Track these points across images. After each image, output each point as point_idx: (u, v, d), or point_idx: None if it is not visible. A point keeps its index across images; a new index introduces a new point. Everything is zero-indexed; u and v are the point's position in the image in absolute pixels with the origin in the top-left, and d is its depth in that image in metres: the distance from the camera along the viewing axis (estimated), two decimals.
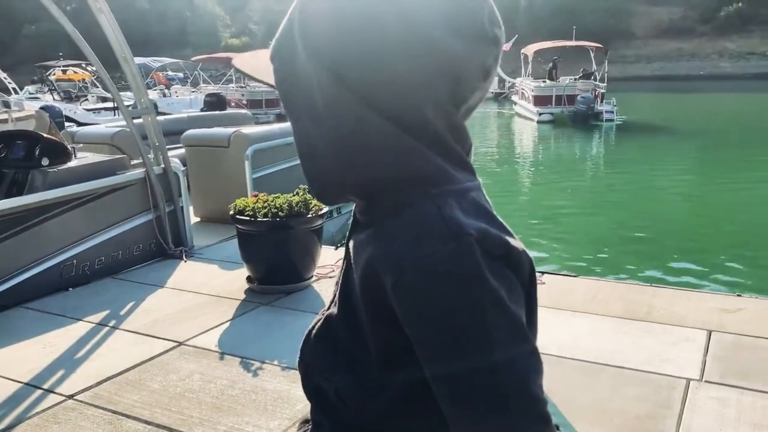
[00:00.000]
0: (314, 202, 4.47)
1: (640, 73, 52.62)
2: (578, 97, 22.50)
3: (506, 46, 26.17)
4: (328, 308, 0.86)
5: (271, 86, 0.80)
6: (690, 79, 49.40)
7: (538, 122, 23.76)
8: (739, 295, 4.51)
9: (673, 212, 10.29)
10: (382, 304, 0.71)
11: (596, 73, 25.23)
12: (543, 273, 5.03)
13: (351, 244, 0.80)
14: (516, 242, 0.73)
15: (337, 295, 0.83)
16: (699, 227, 9.24)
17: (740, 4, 56.68)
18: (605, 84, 24.06)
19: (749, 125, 22.96)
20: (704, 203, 10.94)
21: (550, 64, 27.20)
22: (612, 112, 22.35)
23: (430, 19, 0.69)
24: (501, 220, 0.75)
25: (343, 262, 0.84)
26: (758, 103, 33.35)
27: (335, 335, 0.82)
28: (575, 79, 24.60)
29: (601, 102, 22.92)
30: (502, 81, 40.22)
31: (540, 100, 24.26)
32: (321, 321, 0.86)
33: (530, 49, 27.95)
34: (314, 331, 0.86)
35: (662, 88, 43.48)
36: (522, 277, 0.72)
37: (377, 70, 0.69)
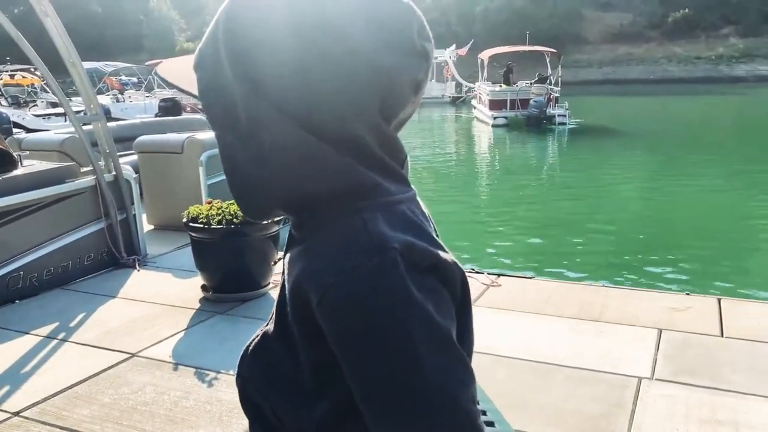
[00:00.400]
0: None
1: (593, 77, 53.71)
2: (531, 101, 22.89)
3: (462, 51, 26.45)
4: (267, 324, 0.85)
5: (195, 97, 0.77)
6: (640, 83, 50.64)
7: (493, 126, 24.07)
8: (688, 294, 4.62)
9: (624, 213, 10.47)
10: (312, 321, 0.69)
11: (551, 77, 25.68)
12: (499, 275, 5.08)
13: (287, 259, 0.78)
14: (446, 255, 0.71)
15: (273, 311, 0.81)
16: (650, 227, 9.41)
17: (687, 11, 58.43)
18: (559, 88, 24.48)
19: (697, 127, 23.64)
20: (655, 204, 11.16)
21: (505, 69, 27.65)
22: (564, 116, 22.74)
23: (358, 33, 0.67)
24: (432, 232, 0.74)
25: (282, 278, 0.82)
26: (706, 105, 34.43)
27: (271, 352, 0.80)
28: (531, 84, 24.97)
29: (555, 106, 23.32)
30: (459, 85, 40.68)
31: (495, 104, 24.59)
32: (258, 337, 0.85)
33: (486, 54, 28.35)
34: (251, 348, 0.85)
35: (614, 92, 44.46)
36: (452, 289, 0.71)
37: (303, 84, 0.67)
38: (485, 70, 28.05)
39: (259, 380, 0.82)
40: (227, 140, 0.73)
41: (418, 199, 0.79)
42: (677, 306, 4.32)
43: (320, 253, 0.70)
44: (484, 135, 23.09)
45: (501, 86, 25.71)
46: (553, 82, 25.16)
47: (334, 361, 0.69)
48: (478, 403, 0.74)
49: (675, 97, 38.87)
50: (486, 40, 47.60)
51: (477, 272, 5.11)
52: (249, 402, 0.84)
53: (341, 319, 0.66)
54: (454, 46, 41.06)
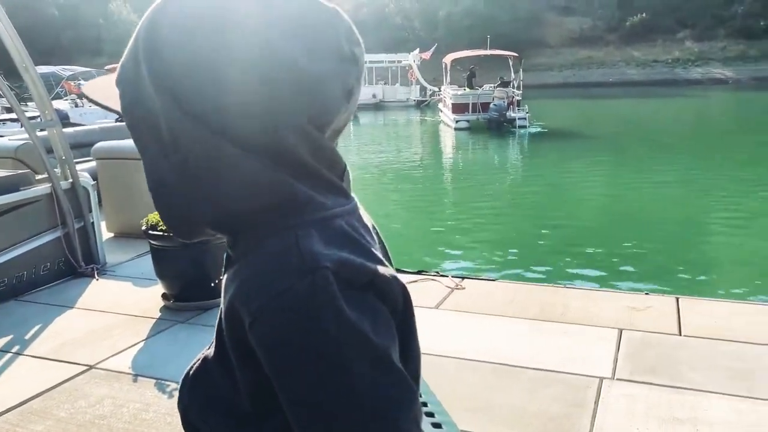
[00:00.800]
0: None
1: (554, 81, 54.49)
2: (491, 105, 23.17)
3: (426, 55, 26.59)
4: (209, 347, 0.82)
5: (120, 114, 0.74)
6: (600, 86, 51.59)
7: (455, 129, 24.34)
8: (647, 294, 4.69)
9: (585, 214, 10.63)
10: (246, 344, 0.67)
11: (513, 81, 26.01)
12: (463, 278, 5.09)
13: (224, 279, 0.75)
14: (384, 269, 0.69)
15: (214, 334, 0.78)
16: (610, 228, 9.57)
17: (644, 15, 59.76)
18: (520, 91, 24.77)
19: (655, 129, 24.12)
20: (614, 204, 11.35)
21: (468, 72, 27.95)
22: (525, 119, 22.99)
23: (282, 40, 0.65)
24: (372, 246, 0.72)
25: (221, 300, 0.80)
26: (663, 107, 35.22)
27: (211, 376, 0.78)
28: (494, 87, 25.23)
29: (517, 109, 23.60)
30: (424, 89, 40.87)
31: (458, 108, 24.82)
32: (199, 361, 0.82)
33: (449, 58, 28.69)
34: (192, 372, 0.82)
35: (575, 95, 45.20)
36: (392, 305, 0.69)
37: (226, 95, 0.64)
38: (448, 74, 28.32)
39: (200, 405, 0.79)
40: (151, 156, 0.70)
41: (361, 210, 0.77)
42: (637, 305, 4.38)
43: (253, 274, 0.67)
44: (447, 138, 23.26)
45: (465, 89, 25.93)
46: (515, 85, 25.49)
47: (270, 386, 0.67)
48: (432, 416, 0.72)
49: (633, 99, 39.71)
50: (449, 44, 47.96)
51: (441, 276, 5.12)
52: (191, 427, 0.81)
53: (273, 342, 0.64)
54: (418, 50, 41.28)
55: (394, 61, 42.25)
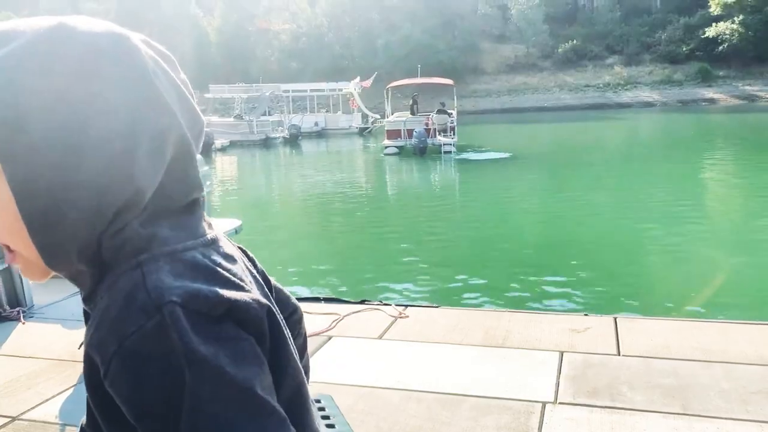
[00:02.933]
0: None
1: (491, 107, 55.88)
2: (414, 132, 23.80)
3: (366, 83, 27.08)
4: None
5: None
6: (536, 111, 53.16)
7: (385, 155, 24.86)
8: (586, 315, 4.74)
9: (523, 237, 10.74)
10: (105, 392, 0.64)
11: (454, 107, 26.63)
12: (406, 306, 5.06)
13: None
14: (243, 295, 0.67)
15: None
16: (547, 250, 9.66)
17: (575, 42, 62.09)
18: (453, 117, 25.36)
19: (588, 151, 24.90)
20: (551, 227, 11.49)
21: (411, 100, 28.40)
22: (450, 144, 23.55)
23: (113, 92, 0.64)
24: (229, 275, 0.69)
25: None
26: (595, 129, 36.48)
27: None
28: (436, 113, 25.81)
29: (447, 134, 24.19)
30: (365, 116, 41.21)
31: (392, 134, 25.40)
32: (79, 428, 0.79)
33: (391, 86, 29.35)
34: None
35: (511, 120, 46.36)
36: (257, 332, 0.67)
37: (64, 139, 0.62)
38: (389, 101, 28.70)
39: None
40: None
41: (225, 241, 0.75)
42: (577, 327, 4.42)
43: (104, 318, 0.64)
44: (385, 166, 23.45)
45: (407, 117, 26.42)
46: (454, 112, 26.08)
47: None
48: None
49: (567, 123, 40.97)
50: (389, 71, 48.68)
51: (384, 304, 5.07)
52: None
53: (128, 389, 0.62)
54: (358, 78, 41.68)
55: (335, 90, 42.61)
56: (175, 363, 0.61)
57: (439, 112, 25.29)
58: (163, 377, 0.61)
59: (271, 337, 0.69)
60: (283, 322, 0.72)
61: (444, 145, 23.47)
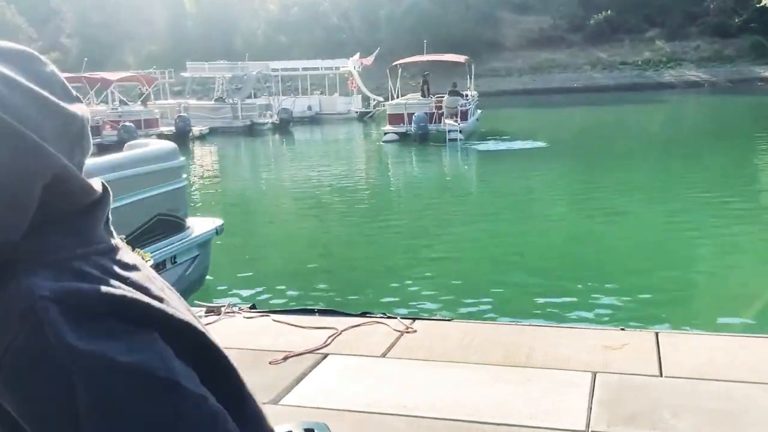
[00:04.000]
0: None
1: (511, 87, 55.76)
2: (413, 116, 23.85)
3: (368, 60, 27.30)
4: None
5: None
6: (564, 92, 53.00)
7: (384, 142, 24.96)
8: (623, 330, 4.74)
9: (549, 241, 10.70)
10: (6, 411, 0.70)
11: (469, 88, 26.72)
12: (414, 319, 5.06)
13: None
14: (141, 295, 0.72)
15: None
16: (577, 256, 9.66)
17: (609, 12, 61.85)
18: (469, 100, 25.38)
19: (625, 141, 24.87)
20: (580, 229, 11.48)
21: (422, 80, 28.40)
22: (457, 131, 23.62)
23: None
24: (122, 281, 0.73)
25: None
26: (634, 115, 36.43)
27: None
28: (448, 95, 25.85)
29: (466, 119, 24.30)
30: (366, 99, 41.13)
31: (394, 119, 25.37)
32: None
33: (395, 64, 29.29)
34: None
35: (535, 103, 46.35)
36: (166, 331, 0.72)
37: None
38: (398, 82, 28.68)
39: None
40: None
41: (126, 252, 0.80)
42: (612, 344, 4.42)
43: None
44: (389, 156, 23.58)
45: (417, 99, 26.57)
46: (469, 93, 26.15)
47: None
48: None
49: (599, 107, 40.88)
50: (394, 47, 48.61)
51: (389, 317, 5.08)
52: None
53: (16, 399, 0.67)
54: (358, 55, 41.68)
55: (331, 68, 42.67)
56: (59, 362, 0.65)
57: (452, 93, 25.35)
58: (50, 381, 0.66)
59: (198, 348, 0.75)
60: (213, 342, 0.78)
61: (449, 131, 23.58)
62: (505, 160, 20.39)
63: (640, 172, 17.43)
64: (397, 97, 27.64)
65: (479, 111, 29.93)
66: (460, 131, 23.73)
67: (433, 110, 24.25)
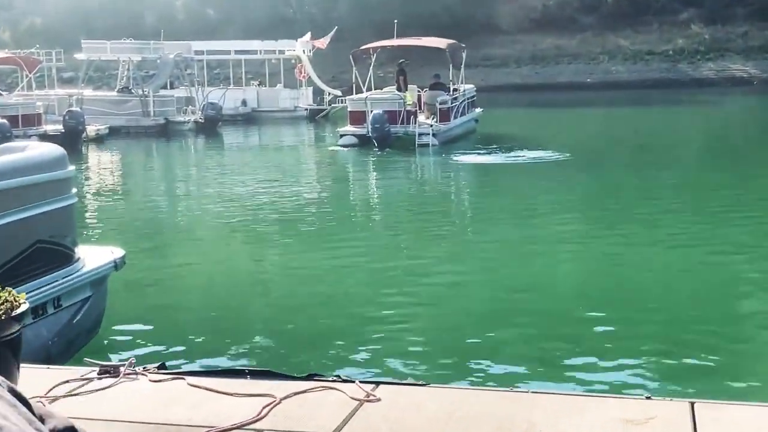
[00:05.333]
0: (4, 296, 4.15)
1: (508, 81, 56.19)
2: (372, 115, 24.37)
3: (321, 42, 27.45)
4: None
5: None
6: (574, 88, 53.73)
7: (339, 146, 25.63)
8: (649, 398, 4.75)
9: (553, 282, 10.67)
10: None
11: (453, 80, 27.21)
12: (377, 383, 5.02)
13: None
14: None
15: None
16: (588, 302, 9.65)
17: None
18: (462, 94, 25.69)
19: (651, 154, 24.98)
20: (593, 269, 11.51)
21: (397, 69, 28.92)
22: (428, 134, 24.05)
23: None
24: None
25: None
26: (662, 120, 36.73)
27: None
28: (428, 89, 26.16)
29: (448, 120, 25.10)
30: (319, 93, 41.11)
31: (355, 118, 26.10)
32: None
33: (359, 51, 29.56)
34: None
35: (537, 101, 46.86)
36: None
37: None
38: (369, 72, 29.00)
39: None
40: None
41: None
42: (635, 417, 4.42)
43: None
44: (328, 165, 24.22)
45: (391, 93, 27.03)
46: (456, 86, 26.48)
47: None
48: None
49: (620, 109, 41.57)
50: (354, 27, 48.91)
51: (345, 381, 5.03)
52: None
53: None
54: (308, 35, 41.73)
55: (273, 52, 42.92)
56: None
57: (434, 87, 25.61)
58: None
59: None
60: None
61: (420, 135, 23.97)
62: (493, 177, 20.66)
63: (674, 196, 17.59)
64: (364, 92, 27.88)
65: (478, 110, 30.32)
66: (434, 135, 24.14)
67: (405, 107, 24.83)
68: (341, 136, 26.02)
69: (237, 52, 43.51)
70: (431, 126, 24.48)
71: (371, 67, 29.07)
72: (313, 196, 19.52)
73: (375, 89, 28.49)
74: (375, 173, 22.34)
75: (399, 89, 27.30)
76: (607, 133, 32.03)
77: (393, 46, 30.99)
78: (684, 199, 17.27)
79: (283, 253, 13.24)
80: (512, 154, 23.59)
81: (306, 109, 39.80)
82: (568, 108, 43.64)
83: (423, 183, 21.46)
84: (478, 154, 24.05)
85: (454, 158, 23.07)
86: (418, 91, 27.18)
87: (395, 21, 30.99)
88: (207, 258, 13.12)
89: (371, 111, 24.97)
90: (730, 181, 19.64)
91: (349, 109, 26.89)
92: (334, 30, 42.54)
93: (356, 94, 27.80)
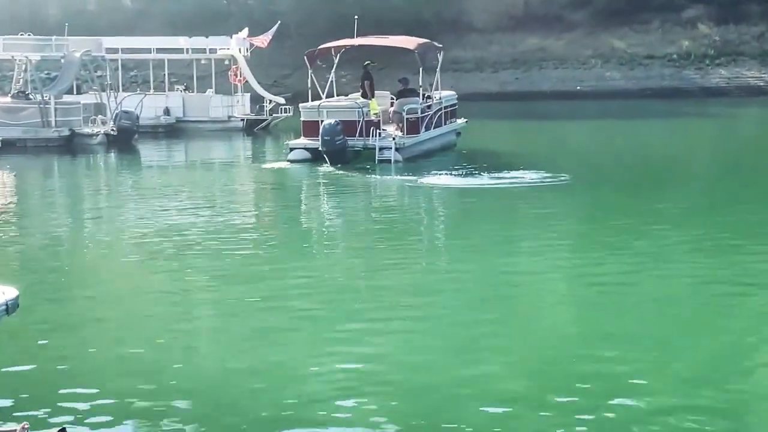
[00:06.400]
0: None
1: (483, 88, 56.02)
2: (321, 127, 24.86)
3: (262, 40, 27.68)
4: None
5: None
6: (561, 98, 54.09)
7: (289, 162, 26.28)
8: None
9: (542, 333, 10.83)
10: None
11: (424, 86, 27.82)
12: None
13: None
14: None
15: None
16: (591, 359, 9.73)
17: None
18: (431, 103, 26.17)
19: (658, 179, 25.07)
20: (590, 316, 11.60)
21: (362, 73, 29.29)
22: (390, 149, 24.44)
23: None
24: None
25: None
26: (665, 136, 36.97)
27: None
28: (395, 96, 27.02)
29: (417, 131, 25.39)
30: (259, 101, 40.82)
31: (309, 129, 26.56)
32: None
33: (316, 51, 29.90)
34: None
35: (517, 112, 47.12)
36: None
37: None
38: (332, 76, 29.21)
39: None
40: None
41: None
42: None
43: None
44: (274, 183, 24.51)
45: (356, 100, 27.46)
46: (432, 91, 27.56)
47: None
48: None
49: (615, 122, 42.04)
50: (302, 22, 48.82)
51: None
52: None
53: None
54: (246, 31, 41.55)
55: (203, 50, 42.77)
56: None
57: (403, 93, 26.28)
58: None
59: None
60: None
61: (381, 149, 24.36)
62: (466, 203, 20.78)
63: (683, 226, 17.67)
64: (324, 99, 28.16)
65: (459, 121, 30.84)
66: (398, 149, 24.43)
67: (364, 117, 25.29)
68: (291, 149, 26.40)
69: (159, 50, 43.03)
70: (393, 139, 24.65)
71: (333, 71, 29.26)
72: (242, 223, 19.50)
73: (339, 96, 28.85)
74: (316, 197, 22.56)
75: (365, 96, 27.63)
76: (603, 151, 32.31)
77: (354, 45, 31.03)
78: (694, 229, 17.37)
79: (209, 298, 13.22)
80: (494, 174, 23.57)
81: (242, 120, 39.52)
82: (556, 120, 44.06)
83: (375, 209, 21.26)
84: (451, 174, 24.04)
85: (421, 179, 22.99)
86: (392, 98, 27.71)
87: (356, 17, 30.97)
88: (118, 300, 13.00)
89: (322, 121, 25.22)
90: (746, 207, 19.81)
91: (301, 119, 27.24)
92: (277, 26, 42.38)
93: (312, 101, 27.93)
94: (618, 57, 60.63)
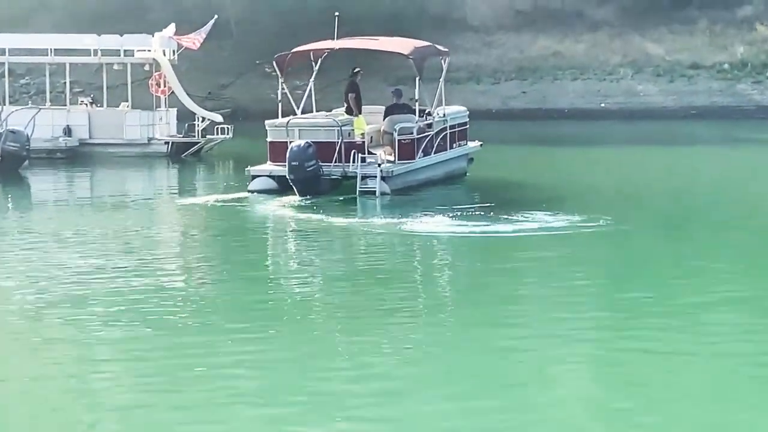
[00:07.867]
0: None
1: (482, 104, 56.11)
2: (288, 152, 25.37)
3: (192, 40, 28.22)
4: None
5: None
6: (581, 118, 54.28)
7: (251, 192, 27.01)
8: None
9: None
10: None
11: (421, 100, 28.37)
12: None
13: None
14: None
15: None
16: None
17: None
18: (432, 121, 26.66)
19: (704, 223, 25.41)
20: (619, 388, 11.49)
21: (348, 83, 29.93)
22: (374, 177, 24.96)
23: None
24: None
25: None
26: (721, 167, 37.08)
27: None
28: (385, 111, 27.49)
29: (413, 157, 25.80)
30: (189, 117, 40.64)
31: (276, 152, 27.13)
32: None
33: (289, 56, 30.46)
34: None
35: (525, 135, 47.07)
36: None
37: None
38: (309, 85, 30.56)
39: None
40: None
41: None
42: None
43: None
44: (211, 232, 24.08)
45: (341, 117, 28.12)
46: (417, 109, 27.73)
47: None
48: None
49: (652, 148, 42.60)
50: (246, 18, 48.49)
51: None
52: None
53: None
54: (172, 28, 41.43)
55: (116, 52, 43.04)
56: None
57: (394, 109, 26.80)
58: None
59: None
60: None
61: (364, 179, 24.84)
62: (481, 261, 20.11)
63: (724, 280, 17.82)
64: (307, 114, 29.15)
65: (472, 144, 31.36)
66: (383, 178, 24.82)
67: (344, 138, 25.83)
68: (253, 177, 27.03)
69: (58, 51, 42.86)
70: (379, 166, 24.86)
71: (312, 80, 30.31)
72: (161, 286, 18.69)
73: (320, 112, 29.70)
74: (267, 245, 22.51)
75: (349, 111, 28.16)
76: (644, 187, 31.94)
77: (334, 49, 31.30)
78: (736, 290, 17.23)
79: (116, 384, 12.41)
80: (512, 216, 23.35)
81: (166, 143, 39.20)
82: (576, 146, 44.53)
83: (345, 261, 20.89)
84: (454, 215, 23.80)
85: (410, 221, 22.91)
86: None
87: (336, 14, 30.97)
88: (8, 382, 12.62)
89: (291, 141, 25.82)
90: None
91: (268, 140, 27.74)
92: (213, 21, 42.31)
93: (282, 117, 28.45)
94: (654, 66, 61.06)
